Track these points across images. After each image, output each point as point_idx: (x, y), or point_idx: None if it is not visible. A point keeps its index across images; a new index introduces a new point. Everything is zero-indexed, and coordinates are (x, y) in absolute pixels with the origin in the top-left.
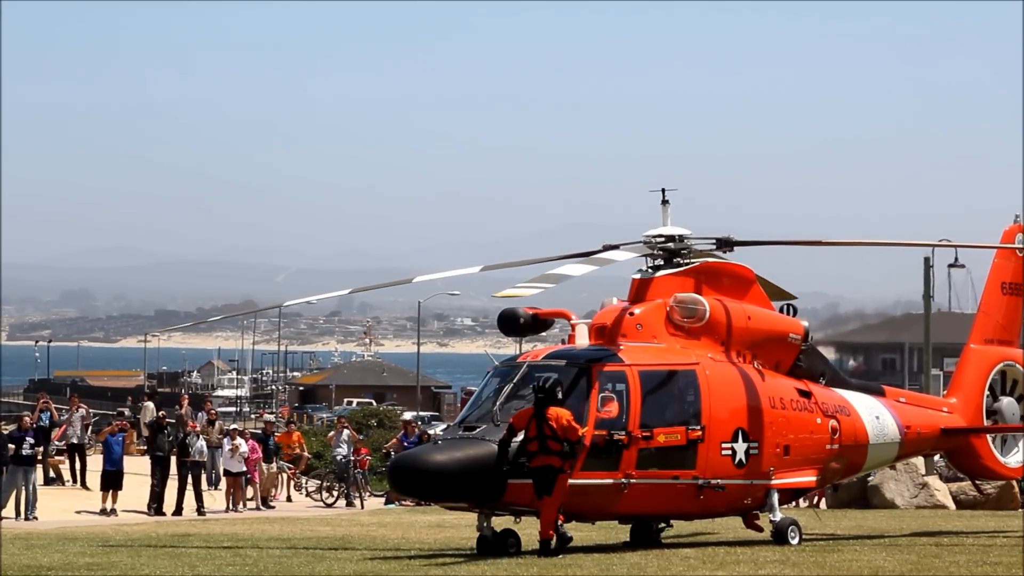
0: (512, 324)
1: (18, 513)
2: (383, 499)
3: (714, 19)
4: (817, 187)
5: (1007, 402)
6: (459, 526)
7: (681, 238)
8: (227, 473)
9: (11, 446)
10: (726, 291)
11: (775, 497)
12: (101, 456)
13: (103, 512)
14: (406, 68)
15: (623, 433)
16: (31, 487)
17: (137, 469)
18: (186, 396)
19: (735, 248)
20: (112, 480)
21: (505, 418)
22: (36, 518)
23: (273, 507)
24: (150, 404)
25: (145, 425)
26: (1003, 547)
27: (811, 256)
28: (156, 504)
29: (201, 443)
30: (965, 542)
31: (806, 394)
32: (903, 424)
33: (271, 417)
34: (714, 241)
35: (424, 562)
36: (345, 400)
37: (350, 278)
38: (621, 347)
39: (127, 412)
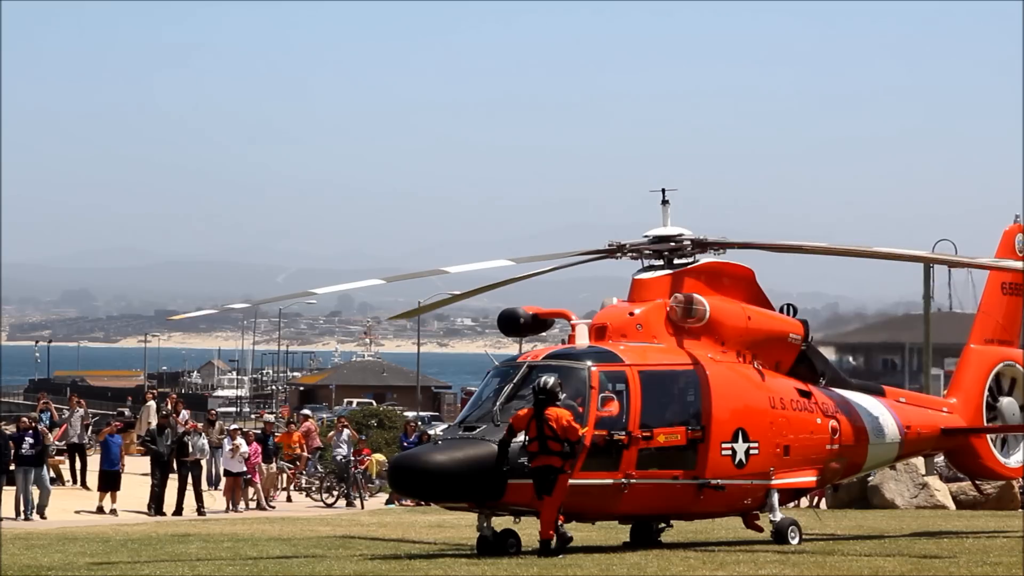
0: (512, 324)
1: (18, 513)
2: (383, 499)
3: (714, 19)
4: (817, 187)
5: (1007, 402)
6: (459, 526)
7: (663, 239)
8: (227, 473)
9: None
10: (726, 291)
11: (775, 497)
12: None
13: (103, 512)
14: (406, 68)
15: (623, 433)
16: (29, 487)
17: (137, 469)
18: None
19: (708, 249)
20: (109, 480)
21: (505, 418)
22: (36, 518)
23: (273, 507)
24: (151, 404)
25: (147, 429)
26: (1003, 547)
27: (810, 256)
28: (156, 504)
29: (203, 441)
30: (965, 542)
31: (806, 394)
32: (903, 424)
33: (271, 417)
34: (689, 242)
35: (424, 562)
36: (345, 400)
37: (350, 278)
38: (621, 347)
39: (127, 412)
